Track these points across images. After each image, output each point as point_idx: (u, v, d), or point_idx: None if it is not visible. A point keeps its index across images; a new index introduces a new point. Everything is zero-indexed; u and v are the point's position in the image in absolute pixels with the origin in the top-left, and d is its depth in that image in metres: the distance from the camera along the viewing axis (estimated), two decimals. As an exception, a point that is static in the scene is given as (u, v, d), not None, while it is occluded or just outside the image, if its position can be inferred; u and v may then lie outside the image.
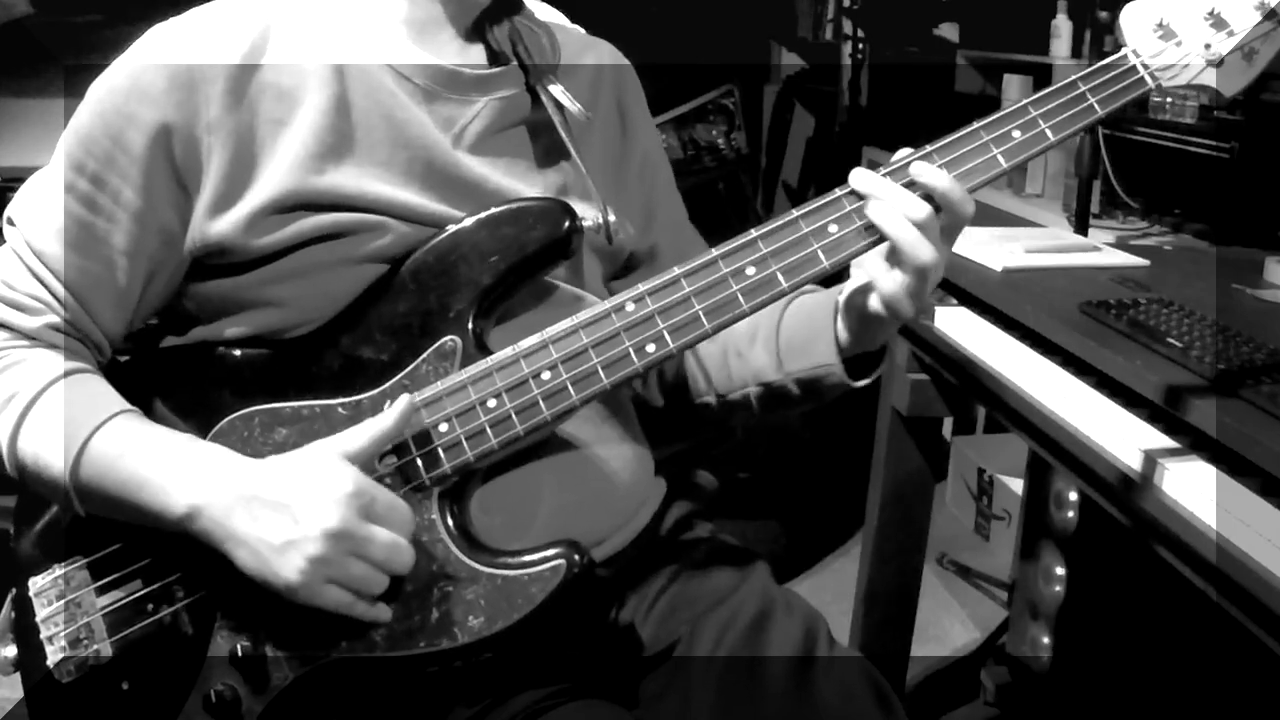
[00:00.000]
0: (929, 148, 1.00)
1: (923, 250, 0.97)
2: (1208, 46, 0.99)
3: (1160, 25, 1.00)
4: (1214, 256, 1.98)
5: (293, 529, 0.91)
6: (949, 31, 3.96)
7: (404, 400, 0.98)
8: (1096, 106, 0.99)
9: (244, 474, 0.94)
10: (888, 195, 0.97)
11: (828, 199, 1.00)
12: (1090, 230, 2.35)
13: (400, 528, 0.95)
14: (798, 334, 1.12)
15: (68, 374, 1.00)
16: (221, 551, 0.94)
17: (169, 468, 0.95)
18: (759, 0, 4.60)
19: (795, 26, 4.93)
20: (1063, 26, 3.20)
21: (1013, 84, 3.27)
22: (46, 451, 0.97)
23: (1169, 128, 2.36)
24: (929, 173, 0.98)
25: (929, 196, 0.98)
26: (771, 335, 1.14)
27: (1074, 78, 1.00)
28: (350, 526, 0.92)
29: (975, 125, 1.00)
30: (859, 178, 0.99)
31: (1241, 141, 2.17)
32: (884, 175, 0.99)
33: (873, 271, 0.99)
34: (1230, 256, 1.89)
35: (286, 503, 0.92)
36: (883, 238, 0.98)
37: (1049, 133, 0.99)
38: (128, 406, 1.00)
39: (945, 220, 0.98)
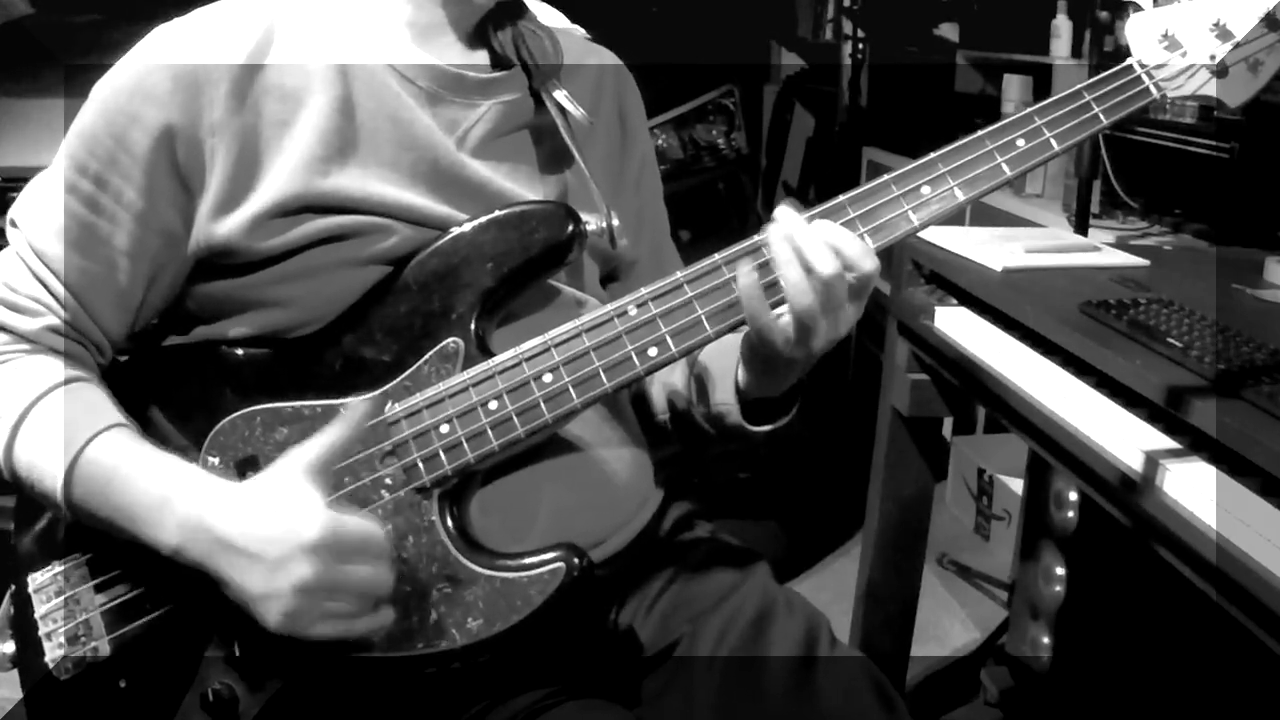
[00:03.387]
0: (933, 155, 1.00)
1: (803, 296, 0.95)
2: (1212, 57, 1.00)
3: (1166, 36, 1.00)
4: (1214, 256, 1.98)
5: (268, 583, 0.90)
6: (949, 31, 3.96)
7: (356, 401, 0.98)
8: (1102, 116, 1.00)
9: (218, 516, 0.93)
10: (794, 232, 0.95)
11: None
12: (1090, 230, 2.35)
13: (376, 555, 0.94)
14: (710, 369, 1.13)
15: (65, 382, 1.00)
16: (212, 578, 0.94)
17: (153, 500, 0.95)
18: (759, 0, 4.60)
19: (795, 26, 4.93)
20: (1063, 26, 3.19)
21: (1013, 84, 3.27)
22: (41, 461, 0.97)
23: (1169, 128, 2.36)
24: (831, 231, 0.96)
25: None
26: (687, 366, 1.15)
27: (1079, 87, 1.00)
28: (323, 576, 0.90)
29: (980, 133, 1.00)
30: (782, 213, 0.97)
31: (1241, 141, 2.18)
32: (815, 214, 0.98)
33: (751, 307, 0.97)
34: (1230, 256, 1.89)
35: (259, 554, 0.91)
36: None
37: (1054, 142, 1.00)
38: (120, 420, 0.99)
39: (850, 278, 0.96)
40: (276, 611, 0.91)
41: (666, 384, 1.20)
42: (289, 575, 0.90)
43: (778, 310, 0.97)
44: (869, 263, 0.96)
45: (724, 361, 1.11)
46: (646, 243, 1.23)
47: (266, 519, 0.92)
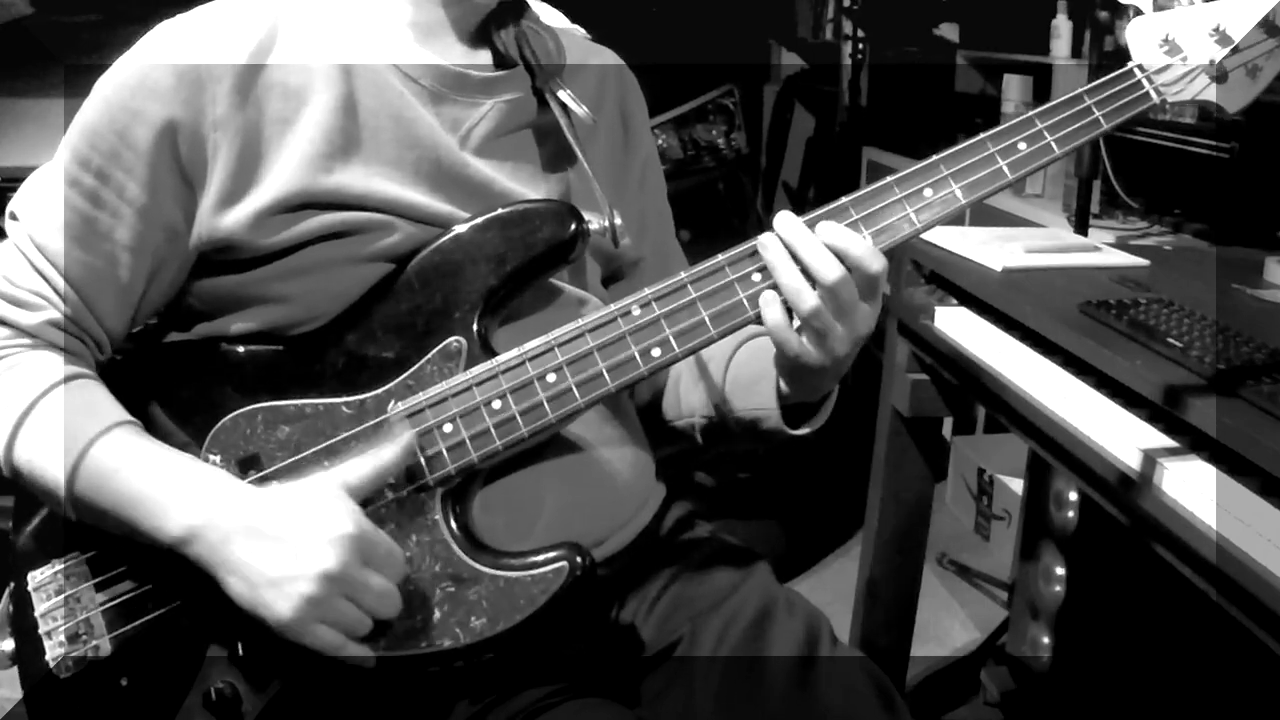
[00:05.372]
0: (935, 157, 1.00)
1: (806, 302, 0.95)
2: (1212, 62, 1.00)
3: (1166, 40, 1.01)
4: (1214, 256, 1.98)
5: (289, 565, 0.91)
6: (949, 31, 3.96)
7: (408, 435, 0.98)
8: (1102, 120, 1.00)
9: (244, 503, 0.94)
10: (793, 240, 0.96)
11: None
12: (1090, 230, 2.35)
13: (393, 574, 0.95)
14: (745, 373, 1.13)
15: (67, 379, 0.99)
16: (213, 577, 0.94)
17: (166, 489, 0.95)
18: (759, 0, 4.59)
19: (795, 26, 4.93)
20: (1063, 26, 3.20)
21: (1013, 84, 3.27)
22: (43, 459, 0.97)
23: (1169, 128, 2.36)
24: (834, 233, 0.96)
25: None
26: (721, 369, 1.15)
27: (1079, 91, 1.01)
28: (347, 570, 0.91)
29: (982, 136, 1.01)
30: (780, 220, 0.98)
31: (1241, 141, 2.18)
32: (817, 216, 0.98)
33: (768, 317, 0.98)
34: (1230, 256, 1.89)
35: (285, 538, 0.91)
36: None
37: (1054, 145, 1.01)
38: (127, 417, 0.99)
39: (857, 279, 0.96)
40: (288, 600, 0.90)
41: (690, 388, 1.19)
42: (314, 561, 0.90)
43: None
44: (876, 263, 0.96)
45: (759, 365, 1.11)
46: (651, 242, 1.23)
47: (297, 510, 0.93)
